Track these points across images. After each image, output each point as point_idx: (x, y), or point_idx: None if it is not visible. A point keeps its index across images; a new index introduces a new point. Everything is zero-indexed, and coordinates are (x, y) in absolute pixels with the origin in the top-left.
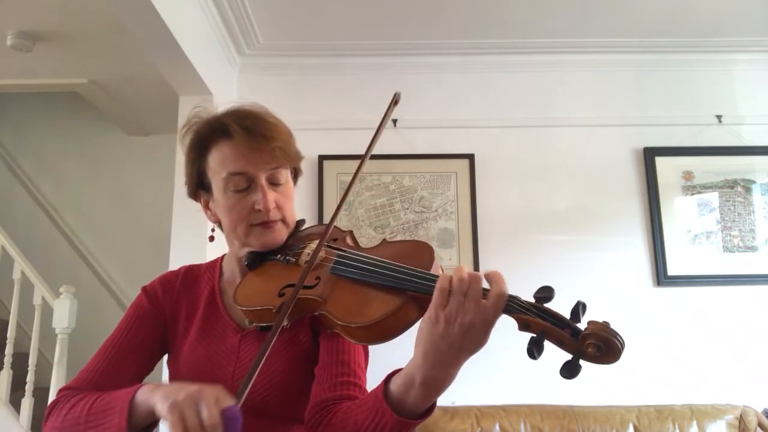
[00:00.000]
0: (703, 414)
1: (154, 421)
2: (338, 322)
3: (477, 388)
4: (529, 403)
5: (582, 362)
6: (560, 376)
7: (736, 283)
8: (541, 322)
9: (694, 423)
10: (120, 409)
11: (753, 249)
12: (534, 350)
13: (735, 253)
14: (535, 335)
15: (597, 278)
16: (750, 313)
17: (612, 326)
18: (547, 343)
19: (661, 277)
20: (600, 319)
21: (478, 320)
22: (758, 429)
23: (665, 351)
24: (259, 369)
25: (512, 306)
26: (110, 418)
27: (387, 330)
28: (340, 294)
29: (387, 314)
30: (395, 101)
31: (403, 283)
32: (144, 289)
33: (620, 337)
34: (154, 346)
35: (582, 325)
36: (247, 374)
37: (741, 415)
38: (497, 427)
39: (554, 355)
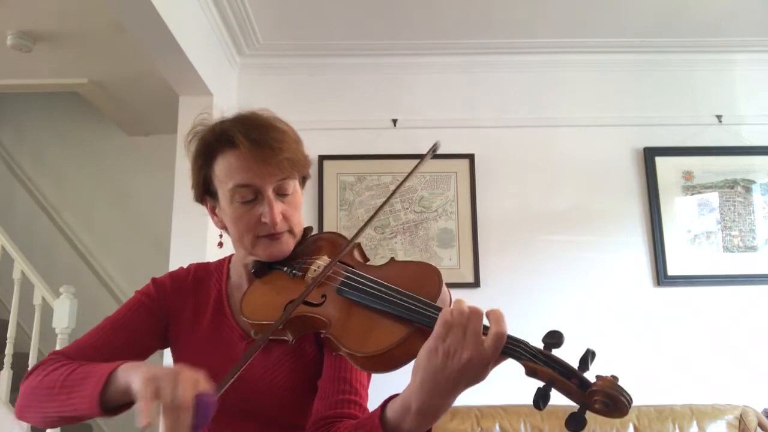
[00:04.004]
0: (703, 414)
1: (127, 404)
2: (343, 348)
3: (477, 388)
4: (529, 403)
5: (588, 414)
6: (566, 430)
7: (736, 283)
8: (549, 370)
9: (694, 423)
10: (97, 380)
11: (753, 249)
12: (540, 401)
13: (735, 253)
14: (542, 384)
15: (597, 278)
16: (750, 313)
17: (620, 383)
18: (553, 392)
19: (661, 277)
20: (608, 374)
21: (476, 358)
22: (758, 429)
23: (665, 351)
24: (239, 373)
25: (519, 352)
26: (85, 386)
27: (391, 361)
28: (346, 318)
29: (392, 346)
30: (434, 150)
31: (410, 314)
32: (154, 279)
33: (628, 394)
34: (151, 336)
35: (590, 375)
36: (227, 374)
37: (741, 415)
38: (497, 427)
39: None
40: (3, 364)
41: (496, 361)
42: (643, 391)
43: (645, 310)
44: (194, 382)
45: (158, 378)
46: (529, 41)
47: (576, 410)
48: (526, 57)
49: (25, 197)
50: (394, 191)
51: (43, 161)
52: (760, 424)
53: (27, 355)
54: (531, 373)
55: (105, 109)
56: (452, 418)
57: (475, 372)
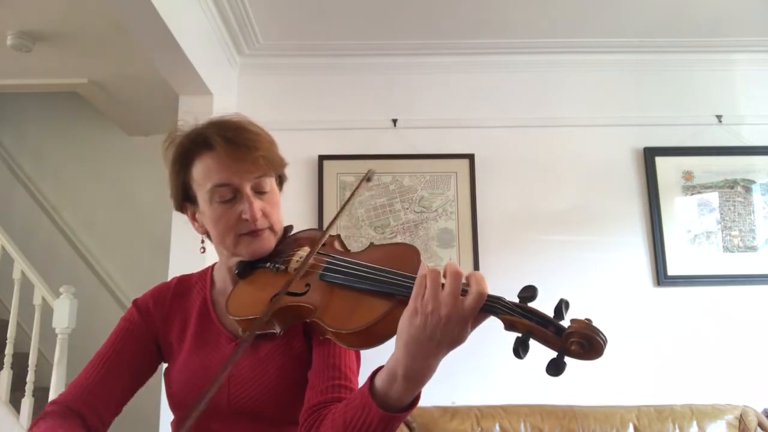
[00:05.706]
0: (703, 414)
1: None
2: (329, 329)
3: (477, 388)
4: (529, 403)
5: (567, 359)
6: (547, 374)
7: (736, 283)
8: (526, 321)
9: (694, 423)
10: None
11: (753, 249)
12: (520, 350)
13: (735, 253)
14: (520, 335)
15: (597, 278)
16: (750, 313)
17: (594, 323)
18: (532, 343)
19: (661, 277)
20: (583, 317)
21: (455, 315)
22: (758, 429)
23: (665, 351)
24: (225, 374)
25: (496, 307)
26: None
27: (376, 335)
28: (330, 301)
29: (375, 320)
30: (367, 178)
31: (390, 288)
32: (135, 302)
33: (602, 334)
34: (144, 360)
35: (566, 323)
36: (217, 373)
37: (741, 415)
38: (497, 427)
39: (549, 355)
40: (3, 364)
41: (476, 320)
42: (643, 391)
43: (645, 310)
44: None
45: None
46: (529, 41)
47: (555, 356)
48: (526, 57)
49: (25, 197)
50: (338, 213)
51: (43, 161)
52: (760, 424)
53: (27, 355)
54: (509, 326)
55: (105, 109)
56: (452, 418)
57: (455, 331)
